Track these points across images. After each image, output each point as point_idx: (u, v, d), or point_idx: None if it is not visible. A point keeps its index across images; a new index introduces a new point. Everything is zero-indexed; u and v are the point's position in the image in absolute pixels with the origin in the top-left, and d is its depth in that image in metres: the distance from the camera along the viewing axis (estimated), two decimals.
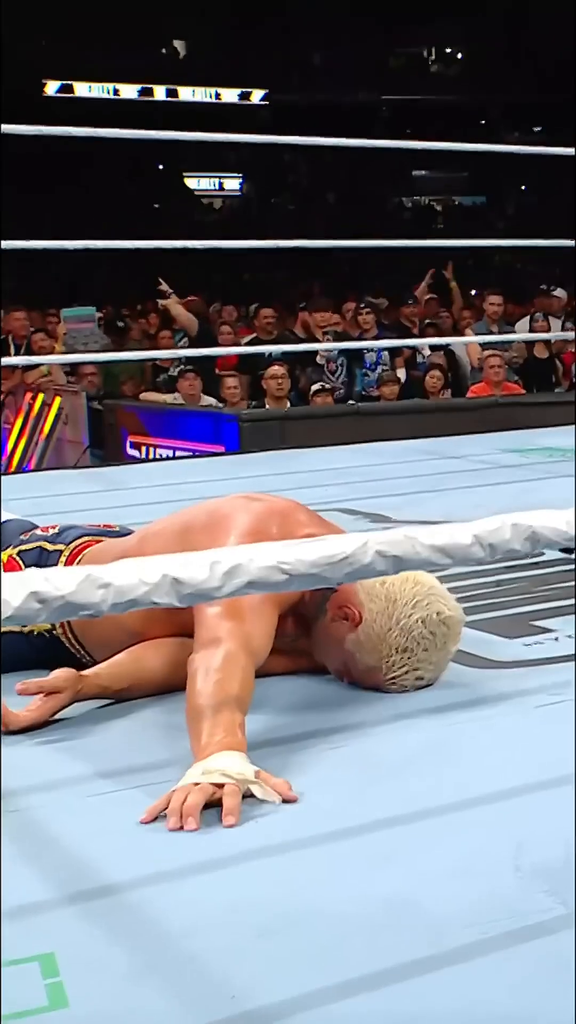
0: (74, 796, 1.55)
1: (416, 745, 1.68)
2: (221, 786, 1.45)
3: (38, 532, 2.17)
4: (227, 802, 1.43)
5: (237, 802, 1.43)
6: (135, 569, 0.88)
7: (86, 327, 8.86)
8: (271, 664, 1.93)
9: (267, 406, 6.96)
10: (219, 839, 1.39)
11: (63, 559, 2.07)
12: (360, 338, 8.00)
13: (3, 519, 2.40)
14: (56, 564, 2.07)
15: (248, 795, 1.46)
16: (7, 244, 3.80)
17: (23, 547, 2.12)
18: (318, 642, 1.91)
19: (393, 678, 1.84)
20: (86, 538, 2.12)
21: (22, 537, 2.17)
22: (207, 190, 28.03)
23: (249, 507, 1.91)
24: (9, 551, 2.13)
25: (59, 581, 0.84)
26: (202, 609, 1.71)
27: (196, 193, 27.81)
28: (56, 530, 2.15)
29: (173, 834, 1.40)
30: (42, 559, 2.08)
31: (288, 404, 7.06)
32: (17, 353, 7.84)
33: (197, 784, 1.44)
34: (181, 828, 1.39)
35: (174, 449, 6.65)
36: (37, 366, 7.48)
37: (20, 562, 2.09)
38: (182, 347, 7.84)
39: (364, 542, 0.99)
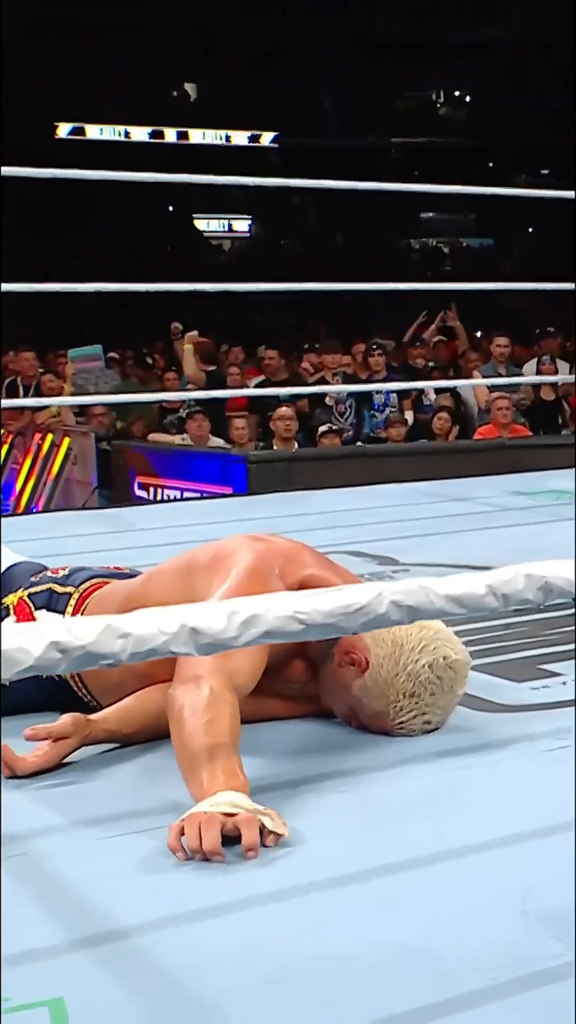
0: (81, 840, 1.55)
1: (423, 790, 1.68)
2: (231, 815, 1.45)
3: (48, 574, 2.18)
4: (246, 835, 1.43)
5: (255, 833, 1.44)
6: (154, 619, 0.90)
7: (94, 365, 8.90)
8: (278, 709, 1.94)
9: (275, 447, 7.00)
10: (225, 883, 1.39)
11: (72, 601, 2.08)
12: (370, 380, 8.05)
13: (14, 562, 2.42)
14: (66, 606, 2.08)
15: (261, 827, 1.46)
16: (7, 287, 3.83)
17: (33, 589, 2.13)
18: (325, 687, 1.92)
19: (400, 723, 1.85)
20: (95, 580, 2.12)
21: (32, 579, 2.18)
22: (216, 231, 28.24)
23: (252, 547, 1.92)
24: (19, 593, 2.14)
25: (79, 631, 0.86)
26: None
27: (205, 234, 28.02)
28: (66, 572, 2.16)
29: (180, 878, 1.41)
30: (52, 601, 2.10)
31: (296, 445, 7.09)
32: (26, 394, 7.89)
33: (206, 813, 1.45)
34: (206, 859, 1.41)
35: (182, 490, 6.68)
36: (46, 407, 7.54)
37: (30, 604, 2.11)
38: (190, 389, 7.88)
39: (379, 592, 1.01)
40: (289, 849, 1.47)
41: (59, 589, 2.10)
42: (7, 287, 3.79)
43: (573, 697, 2.08)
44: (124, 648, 0.87)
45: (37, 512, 6.98)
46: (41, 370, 8.64)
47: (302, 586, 1.88)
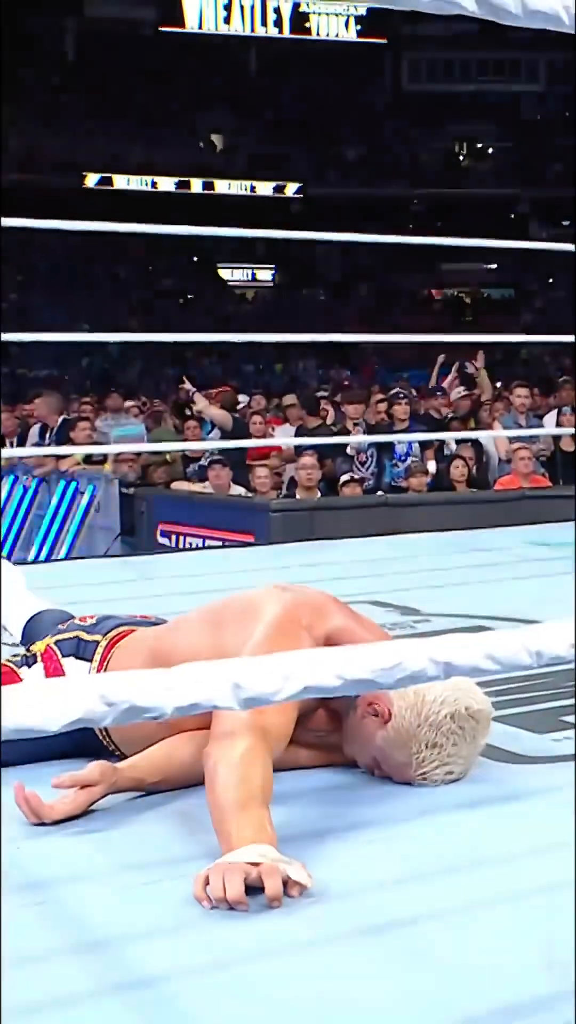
0: (108, 888, 1.56)
1: (446, 841, 1.69)
2: (255, 865, 1.47)
3: (76, 622, 2.21)
4: (269, 885, 1.45)
5: (279, 882, 1.45)
6: (198, 673, 0.92)
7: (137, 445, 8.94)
8: (302, 758, 1.96)
9: (297, 495, 7.03)
10: (250, 932, 1.41)
11: (100, 649, 2.11)
12: (392, 429, 8.09)
13: (40, 609, 2.45)
14: (93, 654, 2.11)
15: (284, 877, 1.47)
16: (7, 336, 3.88)
17: (61, 636, 2.16)
18: (349, 737, 1.94)
19: (423, 773, 1.86)
20: (122, 628, 2.15)
21: (60, 627, 2.20)
22: (240, 281, 28.50)
23: (280, 598, 1.94)
24: (47, 640, 2.16)
25: (127, 685, 0.88)
26: None
27: (229, 284, 28.27)
28: (94, 620, 2.18)
29: (206, 926, 1.42)
30: (79, 649, 2.12)
31: (318, 493, 7.13)
32: (50, 439, 7.96)
33: (231, 863, 1.47)
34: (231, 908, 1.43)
35: (204, 538, 6.70)
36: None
37: (58, 651, 2.13)
38: (212, 439, 7.93)
39: (416, 649, 1.03)
40: (313, 899, 1.48)
41: (87, 637, 2.13)
42: (7, 337, 3.84)
43: None
44: (169, 702, 0.90)
45: (61, 559, 7.03)
46: (68, 416, 8.71)
47: (328, 637, 1.91)
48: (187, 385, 8.36)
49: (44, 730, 0.86)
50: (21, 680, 2.12)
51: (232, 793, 1.59)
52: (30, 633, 2.33)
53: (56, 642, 2.14)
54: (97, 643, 2.12)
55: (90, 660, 2.10)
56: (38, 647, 2.16)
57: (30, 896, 1.53)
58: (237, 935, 1.40)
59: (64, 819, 1.77)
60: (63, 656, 2.12)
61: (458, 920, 1.44)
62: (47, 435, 8.45)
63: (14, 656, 2.21)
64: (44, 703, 0.86)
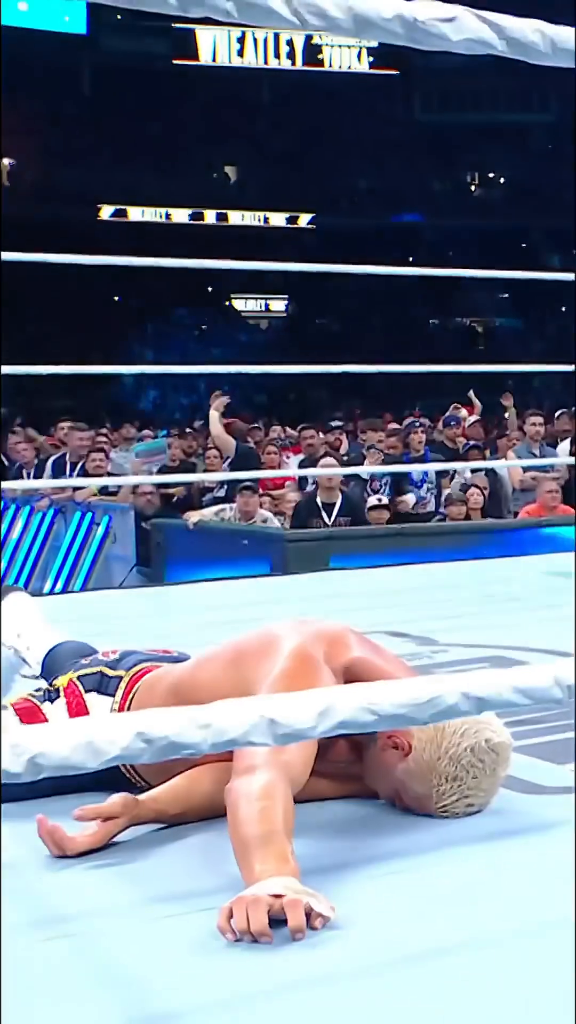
0: (131, 920, 1.57)
1: (468, 873, 1.70)
2: (279, 897, 1.48)
3: (98, 656, 2.22)
4: (292, 917, 1.46)
5: (302, 914, 1.46)
6: (233, 710, 0.94)
7: (158, 459, 8.99)
8: (323, 788, 1.97)
9: (319, 498, 7.06)
10: (273, 965, 1.41)
11: (123, 685, 2.12)
12: (408, 458, 8.11)
13: (59, 641, 2.47)
14: (116, 689, 2.12)
15: (307, 909, 1.48)
16: (7, 369, 3.90)
17: (83, 671, 2.17)
18: (369, 769, 1.95)
19: (444, 806, 1.87)
20: (145, 664, 2.16)
21: (82, 661, 2.22)
22: (253, 311, 28.63)
23: (298, 631, 1.96)
24: (69, 675, 2.18)
25: (163, 722, 0.90)
26: None
27: (243, 314, 28.40)
28: (116, 655, 2.19)
29: (229, 959, 1.43)
30: (102, 684, 2.14)
31: (340, 495, 7.12)
32: (72, 470, 8.01)
33: (254, 896, 1.48)
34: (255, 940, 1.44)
35: (220, 569, 6.72)
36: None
37: (80, 685, 2.15)
38: (227, 470, 7.95)
39: (449, 684, 1.05)
40: (336, 932, 1.49)
41: (109, 672, 2.14)
42: (7, 369, 3.87)
43: None
44: (205, 739, 0.92)
45: (76, 590, 7.06)
46: (87, 448, 8.76)
47: (347, 670, 1.92)
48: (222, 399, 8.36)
49: (83, 767, 0.88)
50: (43, 715, 2.14)
51: (254, 827, 1.60)
52: (50, 666, 2.35)
53: (79, 677, 2.16)
54: (120, 678, 2.13)
55: (112, 696, 2.12)
56: (61, 682, 2.17)
57: (53, 930, 1.54)
58: (260, 968, 1.41)
59: (87, 852, 1.78)
60: (85, 691, 2.13)
61: (481, 955, 1.45)
62: (67, 465, 8.50)
63: (36, 691, 2.22)
64: (83, 741, 0.88)
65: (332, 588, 4.52)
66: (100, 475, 7.77)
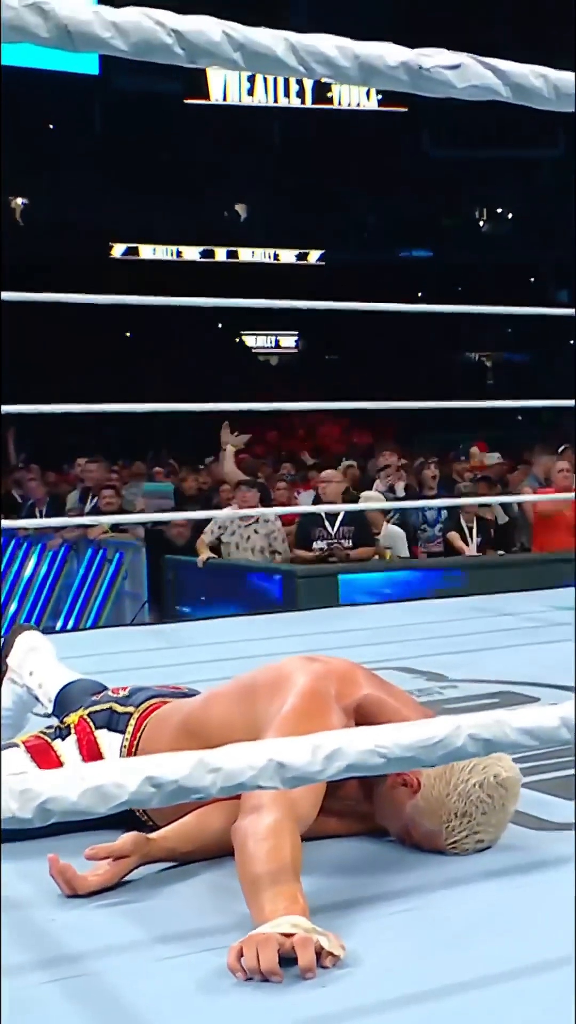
0: (141, 960, 1.57)
1: (478, 910, 1.70)
2: (289, 936, 1.48)
3: (109, 693, 2.23)
4: (302, 956, 1.46)
5: (312, 953, 1.46)
6: (242, 754, 0.94)
7: (164, 503, 9.01)
8: (333, 826, 1.97)
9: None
10: (283, 1004, 1.41)
11: (132, 721, 2.13)
12: (422, 494, 8.13)
13: (71, 679, 2.48)
14: (126, 726, 2.13)
15: (318, 948, 1.48)
16: (7, 409, 3.92)
17: (94, 708, 2.18)
18: (379, 806, 1.95)
19: (454, 842, 1.87)
20: (155, 700, 2.17)
21: (93, 698, 2.22)
22: (264, 347, 28.75)
23: (308, 668, 1.96)
24: (80, 712, 2.19)
25: (172, 766, 0.91)
26: None
27: (253, 350, 28.52)
28: (127, 692, 2.20)
29: (239, 999, 1.43)
30: (112, 721, 2.15)
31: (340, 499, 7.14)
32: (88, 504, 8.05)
33: (264, 935, 1.48)
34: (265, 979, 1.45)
35: (230, 606, 6.73)
36: None
37: (91, 723, 2.16)
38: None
39: (457, 726, 1.06)
40: (346, 970, 1.49)
41: (119, 709, 2.15)
42: (7, 409, 3.90)
43: None
44: (214, 783, 0.92)
45: (88, 628, 7.07)
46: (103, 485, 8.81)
47: (358, 707, 1.93)
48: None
49: (92, 812, 0.88)
50: (55, 753, 2.14)
51: (263, 866, 1.60)
52: (63, 703, 2.36)
53: (89, 714, 2.17)
54: (130, 715, 2.14)
55: (123, 732, 2.12)
56: (71, 719, 2.18)
57: (62, 970, 1.54)
58: (269, 1007, 1.41)
59: (98, 891, 1.78)
60: (96, 728, 2.14)
61: (492, 991, 1.44)
62: (88, 500, 8.53)
63: (48, 728, 2.23)
64: (92, 786, 0.88)
65: (341, 623, 4.52)
66: (112, 512, 7.79)
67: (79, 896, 1.77)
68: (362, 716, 1.92)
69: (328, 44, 0.98)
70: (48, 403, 4.27)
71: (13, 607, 8.45)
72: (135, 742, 2.10)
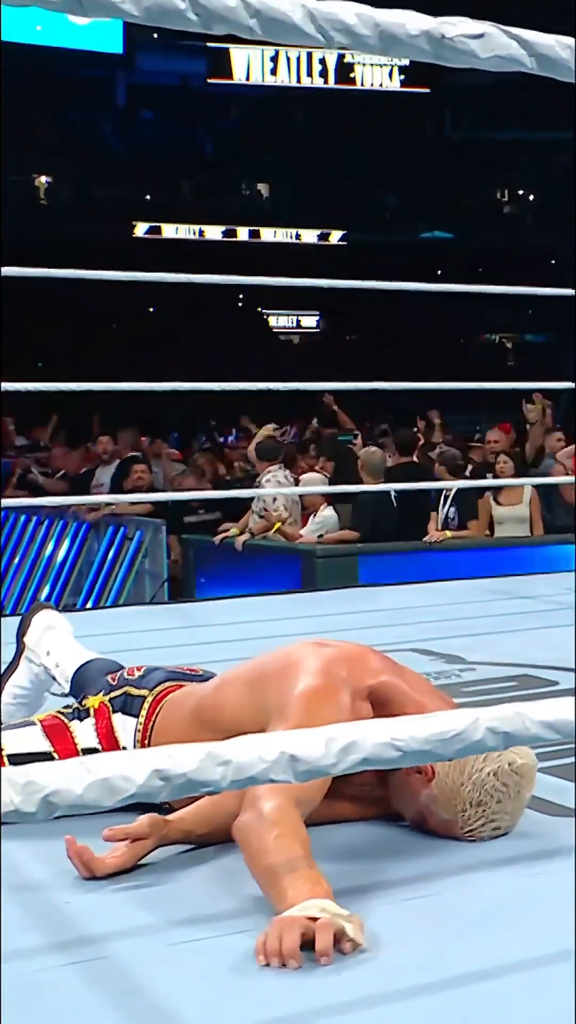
0: (157, 943, 1.56)
1: (495, 897, 1.68)
2: (314, 919, 1.47)
3: (124, 675, 2.21)
4: (320, 940, 1.44)
5: (330, 939, 1.45)
6: (253, 746, 0.92)
7: None
8: (348, 811, 1.96)
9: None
10: (301, 991, 1.40)
11: (146, 705, 2.12)
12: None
13: (88, 659, 2.47)
14: (140, 710, 2.12)
15: (339, 933, 1.47)
16: (7, 386, 3.90)
17: (113, 693, 2.16)
18: (394, 793, 1.93)
19: (470, 831, 1.86)
20: (169, 683, 2.15)
21: (110, 681, 2.21)
22: (285, 327, 28.70)
23: (319, 653, 1.94)
24: (100, 697, 2.17)
25: (181, 759, 0.89)
26: None
27: (274, 330, 28.47)
28: (141, 673, 2.19)
29: (255, 983, 1.42)
30: (127, 705, 2.13)
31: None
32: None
33: (291, 918, 1.47)
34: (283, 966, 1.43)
35: (249, 585, 6.73)
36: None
37: (110, 707, 2.15)
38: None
39: (475, 719, 1.03)
40: (364, 956, 1.48)
41: (134, 692, 2.14)
42: (7, 386, 3.88)
43: None
44: (224, 776, 0.90)
45: (107, 606, 7.07)
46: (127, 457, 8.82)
47: (370, 691, 1.91)
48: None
49: (98, 806, 0.86)
50: (71, 733, 2.13)
51: (274, 856, 1.59)
52: (80, 683, 2.35)
53: (110, 699, 2.15)
54: (143, 699, 2.13)
55: (136, 716, 2.12)
56: (92, 702, 2.16)
57: (79, 953, 1.53)
58: (283, 993, 1.40)
59: (115, 873, 1.77)
60: (113, 712, 2.13)
61: (510, 979, 1.43)
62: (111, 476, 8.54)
63: (66, 707, 2.22)
64: (98, 779, 0.86)
65: (359, 604, 4.50)
66: (141, 488, 7.77)
67: (96, 878, 1.76)
68: (376, 700, 1.91)
69: (347, 11, 0.95)
70: (71, 381, 4.26)
71: (33, 585, 8.48)
72: (150, 726, 2.09)
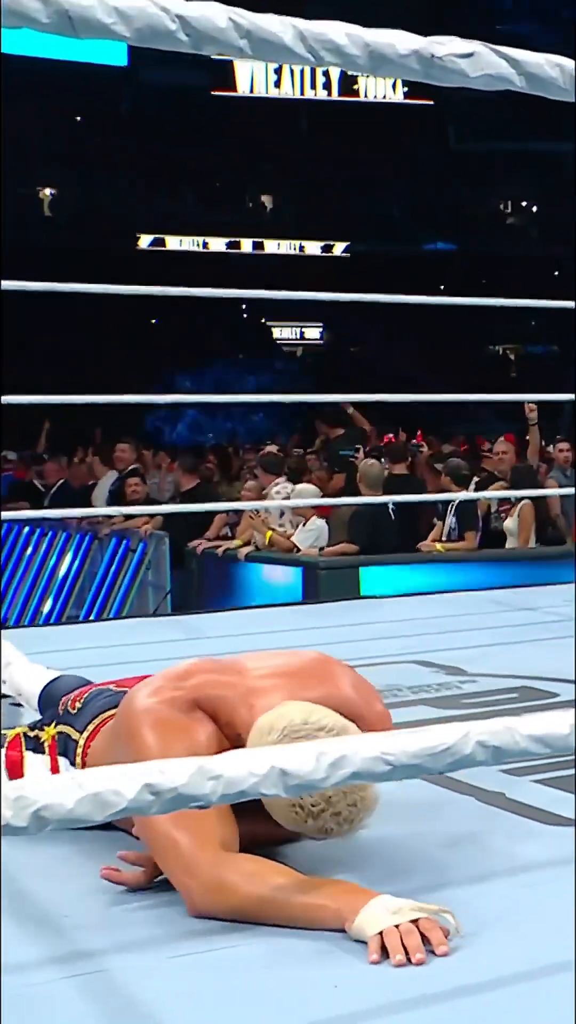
0: (156, 957, 1.55)
1: (494, 907, 1.68)
2: (414, 921, 1.52)
3: (67, 708, 2.08)
4: (434, 937, 1.51)
5: (442, 935, 1.52)
6: (244, 761, 0.93)
7: None
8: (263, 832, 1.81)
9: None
10: (299, 1005, 1.41)
11: (79, 750, 2.00)
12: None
13: (54, 677, 2.40)
14: (75, 756, 2.01)
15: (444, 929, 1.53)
16: (7, 399, 3.91)
17: (59, 728, 2.06)
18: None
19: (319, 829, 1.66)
20: (100, 718, 2.02)
21: (58, 711, 2.11)
22: (289, 339, 28.76)
23: (147, 703, 1.81)
24: (50, 730, 2.07)
25: (172, 773, 0.89)
26: (146, 835, 1.69)
27: (278, 341, 28.53)
28: (81, 704, 2.07)
29: (253, 998, 1.43)
30: (66, 749, 2.02)
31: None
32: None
33: (397, 925, 1.51)
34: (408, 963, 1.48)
35: (251, 596, 6.74)
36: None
37: (56, 746, 2.04)
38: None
39: (465, 733, 1.04)
40: (364, 969, 1.48)
41: (72, 734, 2.03)
42: (7, 399, 3.89)
43: None
44: (215, 790, 0.90)
45: (110, 618, 7.08)
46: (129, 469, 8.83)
47: (196, 702, 1.81)
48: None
49: (89, 820, 0.87)
50: (24, 771, 2.03)
51: (285, 890, 1.60)
52: (46, 701, 2.28)
53: (56, 735, 2.06)
54: (76, 743, 2.02)
55: (72, 762, 2.02)
56: (45, 736, 2.07)
57: (79, 966, 1.53)
58: (284, 1008, 1.40)
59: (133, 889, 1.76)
60: (59, 754, 2.04)
61: (515, 989, 1.44)
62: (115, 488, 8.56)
63: (32, 727, 2.14)
64: (89, 793, 0.87)
65: (360, 616, 4.51)
66: (137, 501, 7.79)
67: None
68: (206, 710, 1.81)
69: (338, 31, 0.96)
70: (78, 392, 4.28)
71: (36, 597, 8.49)
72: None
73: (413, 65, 1.02)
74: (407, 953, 1.47)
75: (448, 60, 1.04)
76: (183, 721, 1.76)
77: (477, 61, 1.07)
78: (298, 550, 6.98)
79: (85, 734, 2.00)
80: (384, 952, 1.49)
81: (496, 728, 1.06)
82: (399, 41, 1.01)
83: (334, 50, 0.95)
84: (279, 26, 0.91)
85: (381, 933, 1.50)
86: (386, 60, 1.00)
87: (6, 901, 1.70)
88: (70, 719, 2.04)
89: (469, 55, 1.06)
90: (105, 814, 0.87)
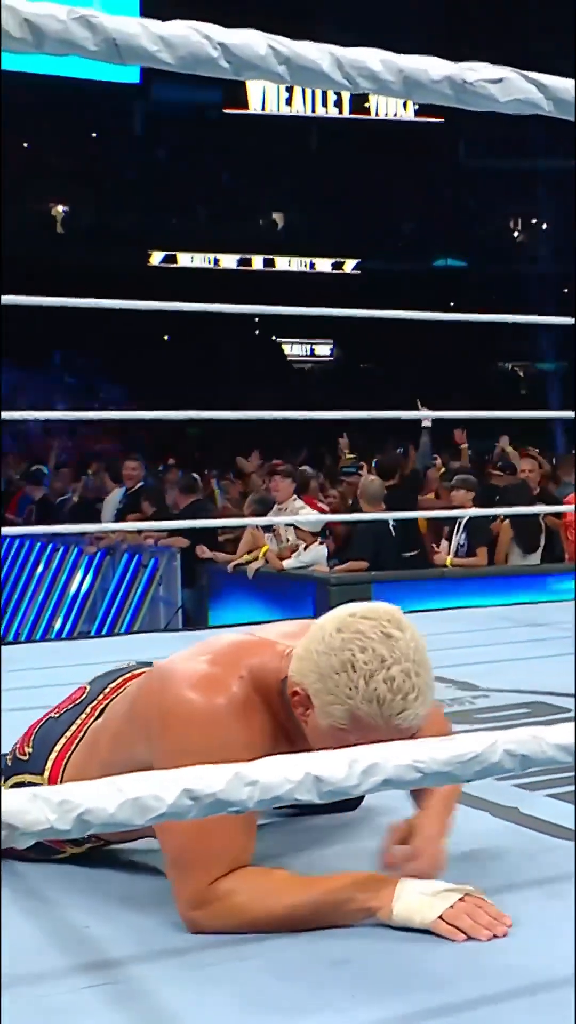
0: (178, 967, 1.57)
1: (516, 916, 1.67)
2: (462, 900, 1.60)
3: (17, 755, 1.97)
4: (491, 910, 1.61)
5: (494, 908, 1.62)
6: (279, 767, 0.95)
7: None
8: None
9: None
10: (316, 1017, 1.42)
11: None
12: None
13: (43, 719, 2.27)
14: None
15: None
16: (7, 415, 3.94)
17: (14, 779, 1.93)
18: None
19: (368, 701, 1.58)
20: (58, 750, 1.92)
21: (7, 761, 1.98)
22: (299, 355, 28.84)
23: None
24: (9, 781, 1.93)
25: (210, 779, 0.91)
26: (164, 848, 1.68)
27: (289, 358, 28.61)
28: (31, 749, 1.95)
29: (269, 1009, 1.44)
30: None
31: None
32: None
33: (451, 905, 1.59)
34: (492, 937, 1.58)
35: (263, 612, 6.75)
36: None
37: None
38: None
39: (493, 741, 1.06)
40: (371, 982, 1.49)
41: (31, 779, 1.91)
42: (7, 415, 3.92)
43: None
44: (251, 796, 0.92)
45: (121, 633, 7.10)
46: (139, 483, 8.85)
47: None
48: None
49: (130, 824, 0.88)
50: None
51: (312, 894, 1.62)
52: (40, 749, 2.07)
53: (13, 787, 1.90)
54: (40, 785, 1.86)
55: None
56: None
57: (101, 976, 1.53)
58: (300, 1021, 1.42)
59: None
60: None
61: (514, 1003, 1.44)
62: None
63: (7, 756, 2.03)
64: (130, 797, 0.89)
65: None
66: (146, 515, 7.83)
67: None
68: None
69: (373, 58, 0.99)
70: (91, 408, 4.30)
71: (48, 612, 8.51)
72: None
73: (446, 90, 1.04)
74: (485, 929, 1.57)
75: (479, 85, 1.07)
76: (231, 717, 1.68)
77: (507, 87, 1.09)
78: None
79: (47, 773, 1.90)
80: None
81: (523, 737, 1.08)
82: (432, 67, 1.04)
83: (369, 76, 0.98)
84: (316, 53, 0.94)
85: (442, 917, 1.57)
86: (419, 85, 1.02)
87: (24, 912, 1.71)
88: (23, 767, 1.92)
89: (499, 80, 1.09)
90: (146, 818, 0.89)
